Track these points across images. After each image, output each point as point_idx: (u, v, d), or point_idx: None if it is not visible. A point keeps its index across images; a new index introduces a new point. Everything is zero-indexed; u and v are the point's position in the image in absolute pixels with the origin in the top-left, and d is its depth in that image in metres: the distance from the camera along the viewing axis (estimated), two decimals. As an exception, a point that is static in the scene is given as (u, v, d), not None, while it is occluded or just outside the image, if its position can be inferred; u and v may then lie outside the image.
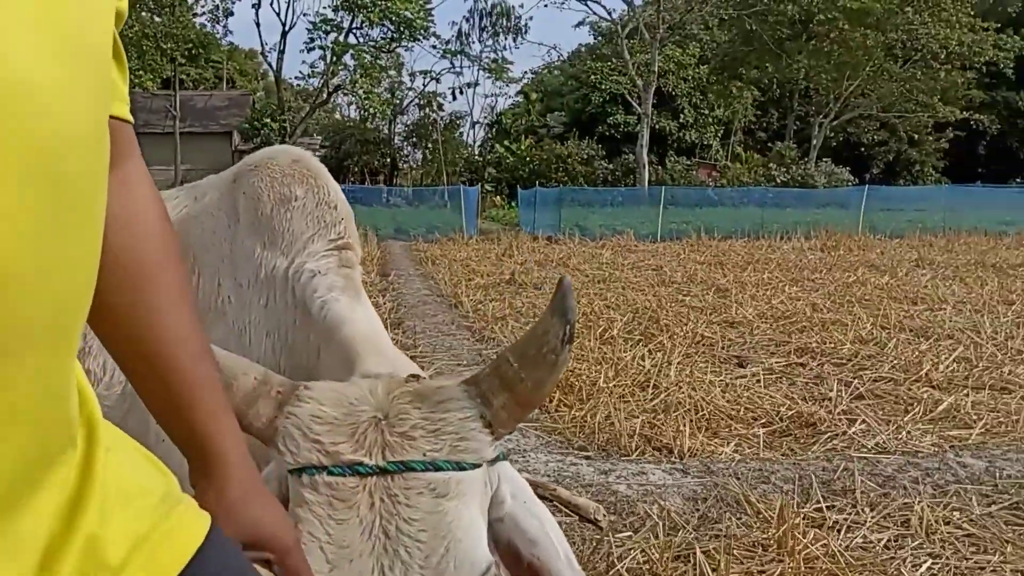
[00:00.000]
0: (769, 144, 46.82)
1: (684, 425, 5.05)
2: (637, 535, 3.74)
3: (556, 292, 1.12)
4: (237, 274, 1.76)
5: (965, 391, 5.89)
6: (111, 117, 0.79)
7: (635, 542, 3.65)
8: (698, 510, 4.00)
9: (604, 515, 3.92)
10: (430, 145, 45.12)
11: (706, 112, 43.81)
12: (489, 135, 49.58)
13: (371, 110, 36.38)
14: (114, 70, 0.82)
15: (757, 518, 3.84)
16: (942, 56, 37.06)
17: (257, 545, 0.97)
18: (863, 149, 45.61)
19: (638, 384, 6.05)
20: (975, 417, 5.29)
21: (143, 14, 32.75)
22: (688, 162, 41.74)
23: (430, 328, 8.98)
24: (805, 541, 3.42)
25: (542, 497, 1.42)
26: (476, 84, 50.44)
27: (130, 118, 0.91)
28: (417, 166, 47.98)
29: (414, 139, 47.27)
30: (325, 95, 36.23)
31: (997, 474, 4.33)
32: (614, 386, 5.92)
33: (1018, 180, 44.77)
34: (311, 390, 1.20)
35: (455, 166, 44.47)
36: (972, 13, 37.68)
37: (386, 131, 45.83)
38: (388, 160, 46.16)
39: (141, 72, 38.18)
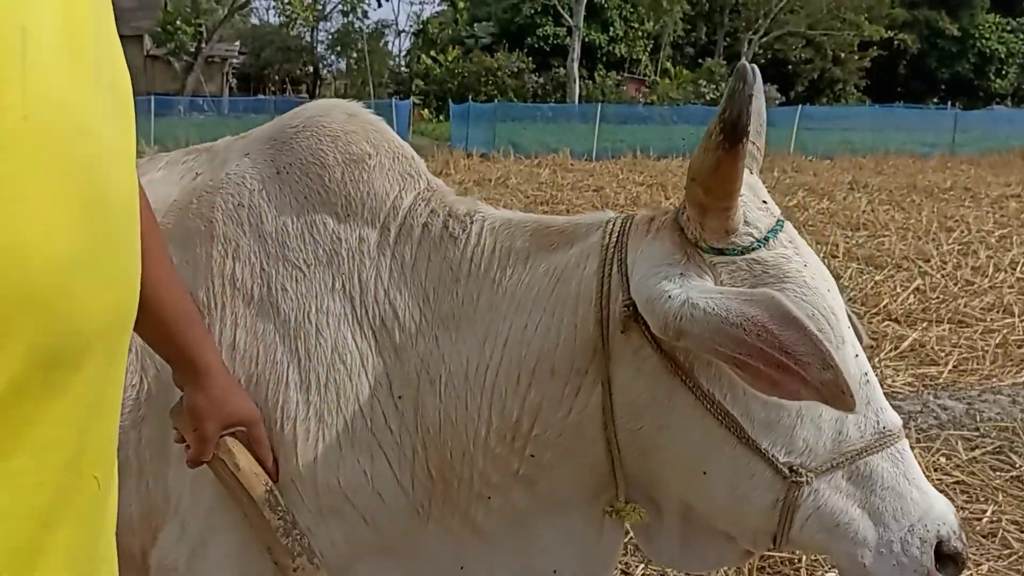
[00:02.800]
0: (699, 60, 46.67)
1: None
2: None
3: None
4: (292, 256, 1.46)
5: (925, 324, 5.93)
6: None
7: None
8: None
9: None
10: (355, 55, 43.54)
11: (636, 25, 43.28)
12: (415, 45, 48.05)
13: (292, 15, 34.80)
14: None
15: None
16: (870, -27, 37.24)
17: (236, 424, 1.35)
18: (790, 67, 45.85)
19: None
20: (942, 353, 5.32)
21: None
22: (618, 77, 41.37)
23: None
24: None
25: None
26: (401, -9, 48.41)
27: None
28: (341, 75, 46.35)
29: (338, 48, 45.51)
30: (243, -1, 34.44)
31: (977, 416, 4.36)
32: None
33: (935, 100, 45.91)
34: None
35: (381, 77, 43.13)
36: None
37: (308, 39, 44.01)
38: (311, 69, 44.46)
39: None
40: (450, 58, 40.60)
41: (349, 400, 1.41)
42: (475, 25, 45.43)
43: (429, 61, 41.14)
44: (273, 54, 42.71)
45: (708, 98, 36.11)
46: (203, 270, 1.46)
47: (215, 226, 1.48)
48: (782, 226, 1.31)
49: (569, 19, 35.23)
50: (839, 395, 1.11)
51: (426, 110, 37.64)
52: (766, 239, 1.28)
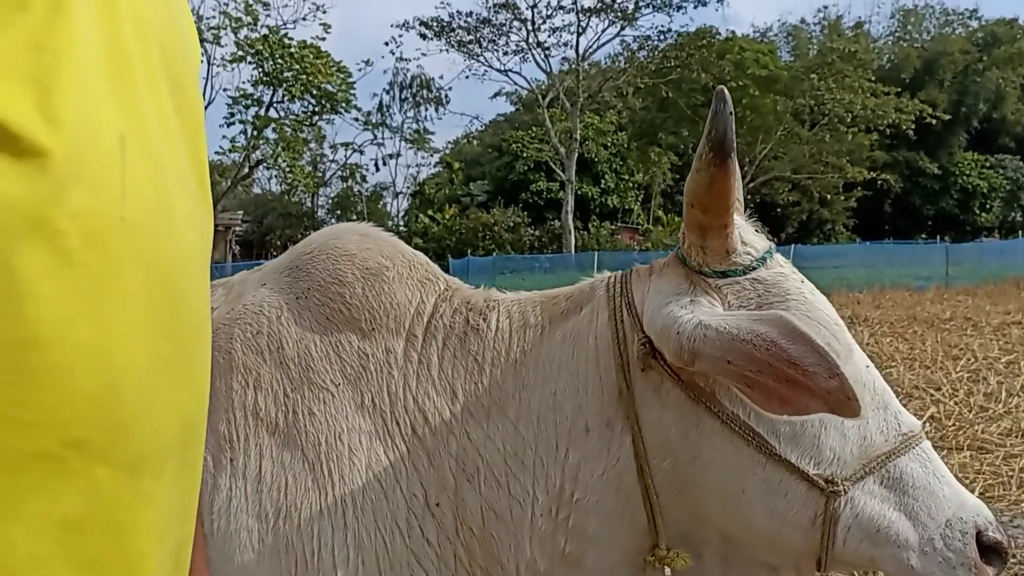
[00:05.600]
0: (689, 207, 47.80)
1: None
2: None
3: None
4: (317, 378, 1.44)
5: (945, 452, 5.82)
6: None
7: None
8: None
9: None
10: (355, 217, 44.76)
11: (626, 177, 44.73)
12: (413, 205, 49.50)
13: (293, 183, 36.02)
14: None
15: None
16: (848, 119, 38.79)
17: None
18: (778, 210, 47.05)
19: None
20: (966, 480, 5.20)
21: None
22: (612, 226, 42.38)
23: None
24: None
25: None
26: (398, 155, 50.36)
27: None
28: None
29: (338, 211, 46.86)
30: (247, 169, 35.71)
31: (1012, 543, 4.21)
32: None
33: (923, 236, 46.84)
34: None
35: (380, 237, 44.12)
36: (873, 79, 39.67)
37: (309, 204, 45.37)
38: (311, 234, 45.58)
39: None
40: (447, 216, 41.69)
41: (386, 519, 1.38)
42: (471, 184, 46.94)
43: (427, 220, 42.23)
44: (275, 220, 43.97)
45: (701, 243, 36.78)
46: (223, 403, 1.43)
47: (234, 356, 1.47)
48: (773, 251, 1.40)
49: (562, 174, 36.46)
50: (845, 402, 1.15)
51: (426, 267, 38.27)
52: (763, 259, 1.36)
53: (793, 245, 27.71)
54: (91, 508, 0.58)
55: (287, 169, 34.28)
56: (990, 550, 1.27)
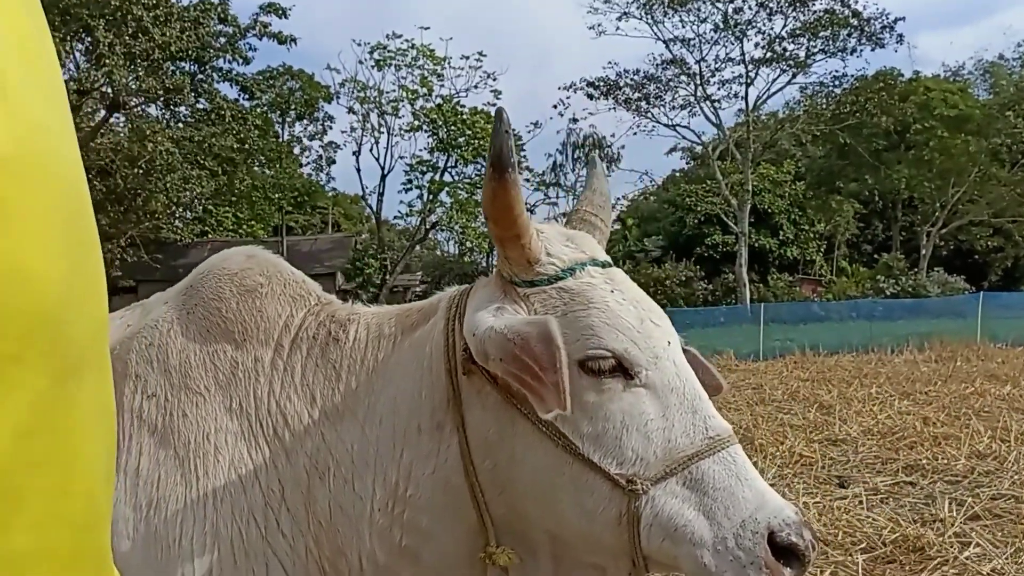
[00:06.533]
0: (875, 256, 45.50)
1: (772, 553, 4.58)
2: None
3: None
4: (193, 384, 1.61)
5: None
6: None
7: None
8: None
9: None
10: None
11: (806, 227, 43.11)
12: (586, 263, 49.69)
13: (468, 244, 37.24)
14: None
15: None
16: (1052, 157, 35.74)
17: None
18: (977, 256, 43.74)
19: (725, 509, 5.59)
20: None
21: (255, 168, 34.87)
22: (791, 278, 40.85)
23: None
24: None
25: None
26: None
27: None
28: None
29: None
30: (423, 232, 37.36)
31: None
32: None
33: None
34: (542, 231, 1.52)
35: (553, 295, 44.63)
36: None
37: (484, 263, 46.76)
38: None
39: (252, 222, 40.44)
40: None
41: (243, 512, 1.51)
42: (645, 240, 46.81)
43: (600, 277, 42.26)
44: (452, 280, 45.41)
45: (887, 293, 34.79)
46: (116, 407, 1.62)
47: (128, 366, 1.65)
48: (599, 265, 1.49)
49: (735, 226, 35.68)
50: (558, 394, 1.26)
51: (597, 323, 38.28)
52: (572, 270, 1.45)
53: (981, 292, 25.55)
54: (35, 414, 0.63)
55: (460, 231, 35.50)
56: (788, 552, 1.28)
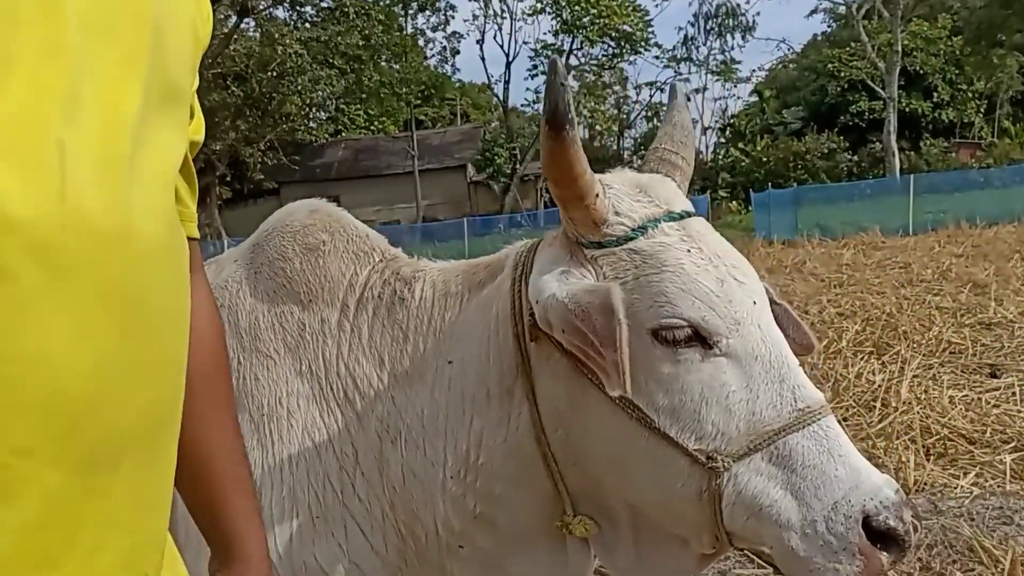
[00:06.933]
0: (1043, 114, 41.69)
1: (911, 453, 4.36)
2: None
3: None
4: (263, 346, 1.60)
5: None
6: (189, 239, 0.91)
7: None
8: (919, 560, 3.38)
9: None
10: (659, 156, 44.44)
11: (963, 87, 39.87)
12: (721, 139, 48.08)
13: (598, 128, 36.53)
14: (184, 190, 0.93)
15: (995, 568, 3.18)
16: None
17: None
18: None
19: (863, 404, 5.36)
20: None
21: (381, 64, 35.02)
22: (945, 144, 38.13)
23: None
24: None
25: None
26: (704, 89, 49.09)
27: (195, 234, 1.00)
28: (648, 179, 47.49)
29: (642, 152, 46.81)
30: (551, 118, 36.80)
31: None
32: (833, 407, 5.27)
33: None
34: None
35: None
36: None
37: (615, 147, 45.84)
38: (617, 176, 46.12)
39: (383, 118, 40.95)
40: (758, 147, 39.99)
41: (319, 476, 1.50)
42: (783, 112, 44.55)
43: (737, 153, 40.82)
44: (583, 166, 44.84)
45: (1057, 154, 31.96)
46: None
47: None
48: (675, 218, 1.34)
49: (882, 91, 33.36)
50: (616, 375, 1.17)
51: (734, 202, 37.14)
52: (643, 228, 1.32)
53: None
54: (47, 509, 0.61)
55: (588, 115, 34.81)
56: (887, 537, 1.16)
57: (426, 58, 38.76)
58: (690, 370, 1.25)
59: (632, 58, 36.95)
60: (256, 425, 1.53)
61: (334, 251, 1.64)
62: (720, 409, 1.24)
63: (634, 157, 47.65)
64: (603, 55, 35.45)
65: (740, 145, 41.97)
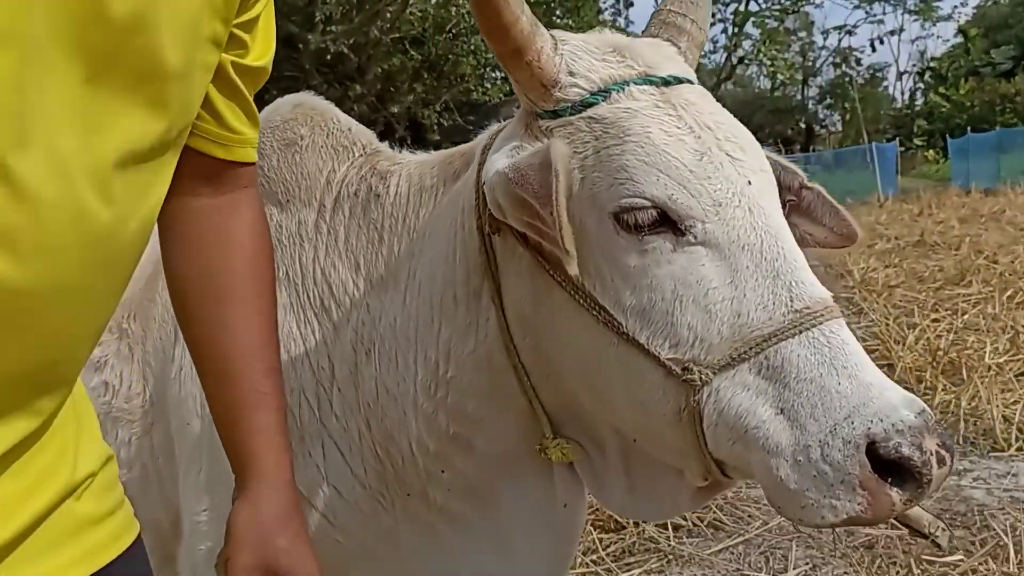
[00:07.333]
0: None
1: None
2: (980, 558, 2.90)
3: None
4: None
5: None
6: (229, 161, 1.02)
7: (980, 569, 2.83)
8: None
9: (944, 530, 3.11)
10: (846, 105, 41.90)
11: None
12: (918, 84, 44.59)
13: (780, 77, 34.80)
14: (231, 115, 1.00)
15: None
16: None
17: (272, 574, 0.99)
18: None
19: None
20: None
21: (555, 20, 34.76)
22: None
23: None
24: None
25: None
26: (901, 30, 45.63)
27: (251, 158, 1.07)
28: (835, 130, 44.94)
29: (828, 101, 44.28)
30: (730, 69, 35.40)
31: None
32: (1006, 361, 4.79)
33: None
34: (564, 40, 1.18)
35: (878, 124, 40.76)
36: None
37: (799, 97, 43.59)
38: (803, 127, 43.86)
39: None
40: (962, 91, 36.79)
41: (294, 392, 1.40)
42: (992, 51, 40.70)
43: (937, 98, 37.74)
44: (764, 118, 43.03)
45: None
46: None
47: None
48: (655, 83, 1.13)
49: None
50: (563, 251, 1.02)
51: (931, 151, 34.44)
52: (606, 92, 1.12)
53: None
54: None
55: (770, 64, 33.14)
56: (901, 468, 0.93)
57: (600, 12, 38.14)
58: (659, 262, 1.05)
59: (818, 2, 34.77)
60: None
61: (312, 146, 1.50)
62: (697, 309, 1.04)
63: (818, 107, 45.16)
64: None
65: (941, 89, 38.77)
